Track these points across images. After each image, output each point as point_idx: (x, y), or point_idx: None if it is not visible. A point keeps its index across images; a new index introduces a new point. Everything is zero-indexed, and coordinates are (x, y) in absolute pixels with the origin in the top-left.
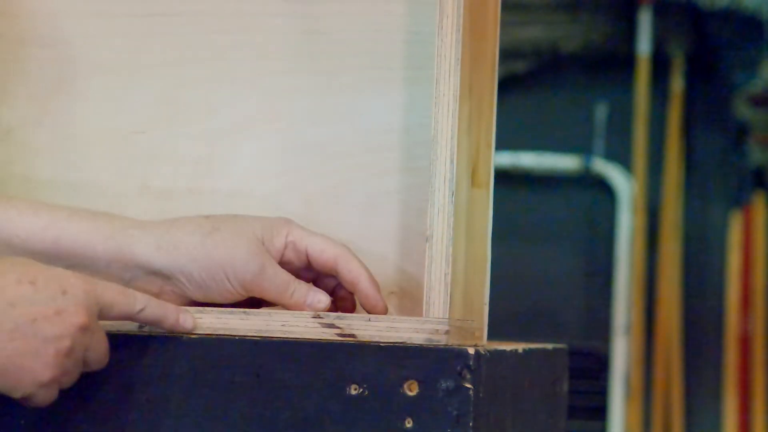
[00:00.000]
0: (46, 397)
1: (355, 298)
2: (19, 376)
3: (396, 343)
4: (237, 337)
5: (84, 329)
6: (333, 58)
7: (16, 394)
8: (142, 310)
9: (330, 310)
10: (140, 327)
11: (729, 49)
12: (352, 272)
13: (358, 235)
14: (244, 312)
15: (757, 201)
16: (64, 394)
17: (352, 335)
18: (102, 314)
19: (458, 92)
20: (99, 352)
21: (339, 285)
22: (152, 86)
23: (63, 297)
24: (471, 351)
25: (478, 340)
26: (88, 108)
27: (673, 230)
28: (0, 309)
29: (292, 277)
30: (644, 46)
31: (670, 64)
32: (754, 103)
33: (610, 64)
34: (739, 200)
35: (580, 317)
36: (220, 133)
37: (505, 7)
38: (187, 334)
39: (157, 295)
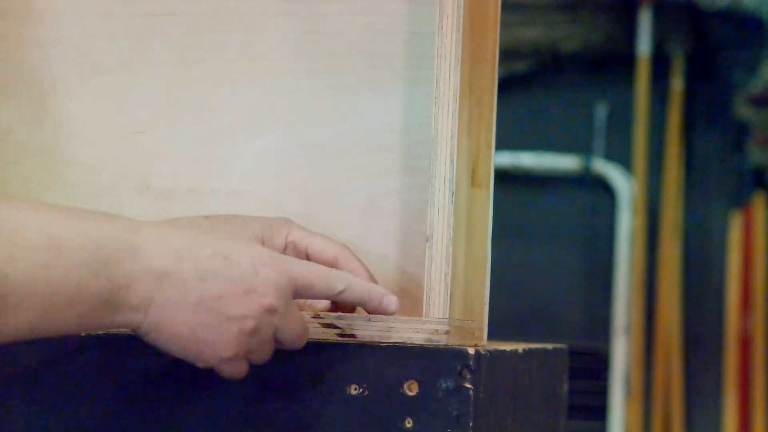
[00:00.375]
0: (232, 371)
1: None
2: (200, 348)
3: (396, 343)
4: None
5: (271, 311)
6: (333, 58)
7: (199, 365)
8: (342, 291)
9: (330, 310)
10: None
11: (729, 49)
12: (352, 272)
13: (358, 235)
14: None
15: (757, 201)
16: (65, 394)
17: (352, 335)
18: (299, 294)
19: (458, 92)
20: (292, 333)
21: None
22: (152, 86)
23: (254, 276)
24: (471, 351)
25: (478, 340)
26: (88, 108)
27: (673, 230)
28: (189, 282)
29: None
30: (644, 46)
31: (670, 64)
32: (754, 103)
33: (610, 64)
34: (739, 200)
35: (580, 317)
36: (220, 133)
37: (505, 7)
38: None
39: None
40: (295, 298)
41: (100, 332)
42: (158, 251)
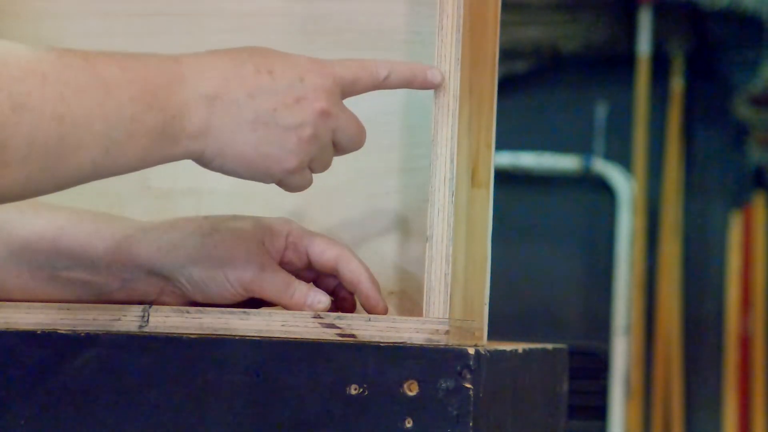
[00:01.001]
0: (299, 182)
1: (356, 298)
2: (266, 164)
3: (396, 343)
4: (237, 337)
5: (325, 114)
6: (333, 58)
7: (268, 181)
8: (387, 76)
9: (330, 310)
10: (140, 327)
11: (729, 49)
12: (352, 272)
13: (358, 235)
14: (244, 312)
15: (757, 201)
16: (65, 394)
17: (352, 335)
18: (346, 92)
19: (458, 92)
20: (349, 133)
21: (339, 285)
22: None
23: (301, 84)
24: (471, 351)
25: (478, 340)
26: None
27: (673, 230)
28: (241, 100)
29: (292, 278)
30: (644, 46)
31: (670, 64)
32: (754, 103)
33: (610, 64)
34: (739, 200)
35: (580, 317)
36: None
37: (505, 7)
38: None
39: (157, 296)
40: (344, 97)
41: (101, 331)
42: (204, 76)
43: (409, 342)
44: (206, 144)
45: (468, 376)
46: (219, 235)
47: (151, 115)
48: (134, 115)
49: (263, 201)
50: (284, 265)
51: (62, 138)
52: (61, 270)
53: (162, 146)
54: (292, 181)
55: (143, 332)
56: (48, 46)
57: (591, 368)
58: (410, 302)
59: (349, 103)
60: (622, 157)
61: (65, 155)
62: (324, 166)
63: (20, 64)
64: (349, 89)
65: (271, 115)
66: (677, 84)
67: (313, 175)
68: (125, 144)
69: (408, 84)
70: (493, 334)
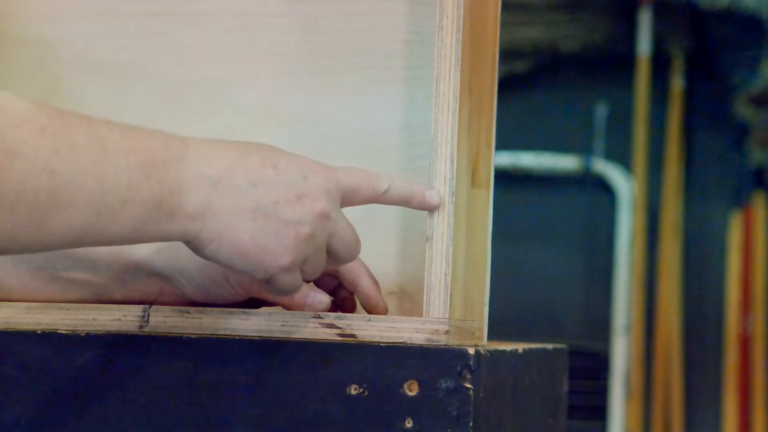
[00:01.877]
0: (289, 283)
1: (356, 298)
2: (261, 256)
3: (396, 343)
4: (237, 337)
5: (325, 216)
6: (333, 58)
7: (259, 275)
8: (386, 191)
9: (330, 310)
10: (140, 327)
11: (729, 49)
12: (352, 272)
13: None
14: (245, 312)
15: (757, 201)
16: (65, 394)
17: (352, 335)
18: (346, 200)
19: (458, 92)
20: (345, 240)
21: (339, 285)
22: (152, 86)
23: (304, 182)
24: (471, 351)
25: (478, 340)
26: (89, 108)
27: (673, 230)
28: (243, 188)
29: None
30: (644, 46)
31: (670, 64)
32: (754, 103)
33: (610, 64)
34: (739, 200)
35: (580, 317)
36: (220, 133)
37: (505, 7)
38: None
39: (157, 296)
40: (343, 206)
41: (101, 331)
42: (208, 159)
43: (409, 342)
44: (203, 226)
45: (468, 376)
46: None
47: (148, 185)
48: (131, 182)
49: None
50: None
51: (53, 192)
52: (61, 270)
53: (157, 220)
54: (282, 279)
55: (143, 332)
56: (52, 105)
57: (591, 368)
58: (410, 302)
59: (349, 106)
60: (622, 157)
61: (54, 211)
62: (315, 271)
63: (20, 113)
64: (349, 196)
65: (272, 207)
66: (677, 84)
67: None
68: (118, 210)
69: (406, 202)
70: (493, 334)
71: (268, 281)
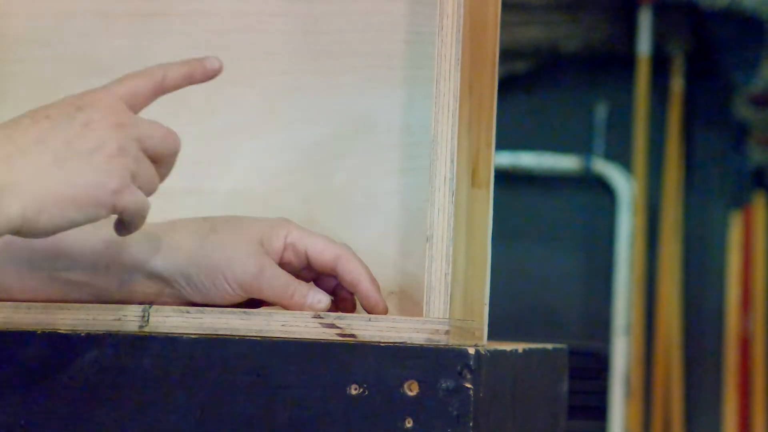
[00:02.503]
0: (134, 203)
1: (356, 298)
2: (89, 194)
3: (396, 343)
4: (237, 337)
5: (119, 126)
6: (333, 58)
7: (103, 213)
8: (164, 76)
9: (330, 310)
10: (140, 327)
11: (729, 49)
12: (352, 272)
13: (358, 235)
14: (245, 312)
15: (757, 201)
16: (64, 394)
17: (352, 335)
18: (132, 104)
19: (458, 92)
20: (156, 138)
21: (339, 285)
22: None
23: (80, 112)
24: (471, 351)
25: (478, 340)
26: None
27: (673, 230)
28: (32, 149)
29: (292, 278)
30: (644, 46)
31: (670, 64)
32: (754, 103)
33: (610, 64)
34: (739, 200)
35: (580, 317)
36: (220, 133)
37: (505, 7)
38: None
39: (157, 298)
40: (134, 110)
41: (101, 331)
42: None
43: (409, 342)
44: (20, 203)
45: (468, 376)
46: (217, 236)
47: None
48: None
49: (263, 201)
50: (283, 265)
51: None
52: (60, 271)
53: None
54: (125, 201)
55: (143, 332)
56: None
57: (591, 368)
58: (410, 302)
59: (349, 106)
60: (622, 157)
61: None
62: (150, 181)
63: None
64: (133, 100)
65: (68, 147)
66: (677, 84)
67: (313, 174)
68: None
69: (190, 78)
70: (493, 334)
71: (120, 220)
